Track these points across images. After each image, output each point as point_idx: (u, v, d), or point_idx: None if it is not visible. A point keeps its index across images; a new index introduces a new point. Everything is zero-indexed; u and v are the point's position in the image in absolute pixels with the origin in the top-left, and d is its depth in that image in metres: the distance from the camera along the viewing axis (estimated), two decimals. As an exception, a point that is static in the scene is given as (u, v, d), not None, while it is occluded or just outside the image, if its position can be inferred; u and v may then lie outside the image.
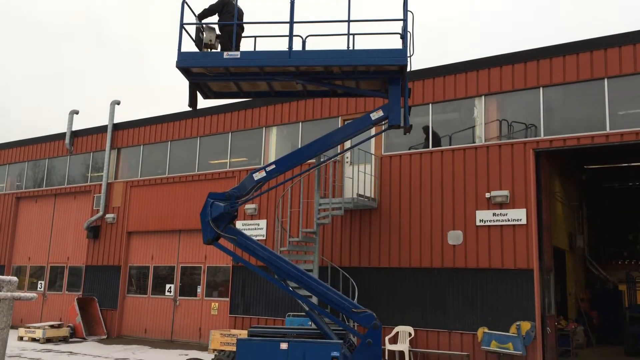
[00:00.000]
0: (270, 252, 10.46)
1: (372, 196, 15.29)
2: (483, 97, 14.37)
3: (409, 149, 15.15)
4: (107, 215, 20.89)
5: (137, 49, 77.87)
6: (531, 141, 13.49)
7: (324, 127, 16.43)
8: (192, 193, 19.01)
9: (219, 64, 9.97)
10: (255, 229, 17.25)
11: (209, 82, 10.61)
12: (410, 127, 10.56)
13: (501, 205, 13.53)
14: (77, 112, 23.05)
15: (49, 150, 23.64)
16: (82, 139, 22.67)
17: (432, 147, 14.84)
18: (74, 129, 22.74)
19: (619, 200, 26.39)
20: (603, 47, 13.02)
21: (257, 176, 10.25)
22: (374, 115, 10.18)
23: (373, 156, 15.55)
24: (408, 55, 9.75)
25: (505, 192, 13.46)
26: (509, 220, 13.37)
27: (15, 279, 3.57)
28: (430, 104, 15.02)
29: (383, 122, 10.34)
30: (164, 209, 19.76)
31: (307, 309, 10.30)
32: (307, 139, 16.81)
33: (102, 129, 22.02)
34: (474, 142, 14.32)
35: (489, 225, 13.61)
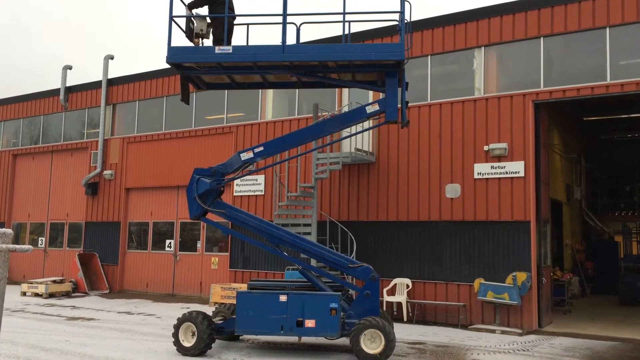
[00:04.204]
0: (260, 221, 10.51)
1: (370, 150, 15.23)
2: (483, 48, 14.13)
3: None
4: (105, 172, 20.86)
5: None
6: (530, 93, 13.34)
7: (321, 81, 16.21)
8: (190, 149, 18.93)
9: (210, 59, 9.70)
10: (253, 184, 17.26)
11: (202, 74, 10.42)
12: (408, 123, 10.36)
13: (499, 158, 13.49)
14: (70, 68, 22.70)
15: (43, 106, 23.39)
16: (76, 95, 22.42)
17: (431, 100, 14.69)
18: (67, 84, 22.50)
19: (617, 152, 26.40)
20: (606, -5, 12.72)
21: (244, 156, 10.23)
22: (370, 109, 9.95)
23: (371, 110, 15.39)
24: (405, 48, 9.50)
25: (504, 145, 13.40)
26: (507, 172, 13.36)
27: (10, 231, 3.56)
28: (429, 56, 14.77)
29: (379, 117, 10.17)
30: (161, 165, 19.72)
31: (300, 267, 10.44)
32: (304, 94, 16.62)
33: (96, 85, 21.73)
34: (473, 95, 14.17)
35: (487, 178, 13.61)
